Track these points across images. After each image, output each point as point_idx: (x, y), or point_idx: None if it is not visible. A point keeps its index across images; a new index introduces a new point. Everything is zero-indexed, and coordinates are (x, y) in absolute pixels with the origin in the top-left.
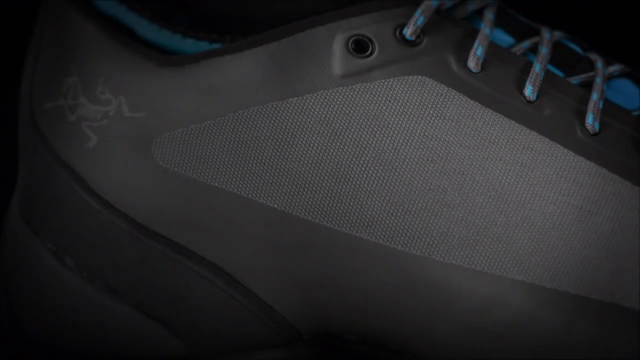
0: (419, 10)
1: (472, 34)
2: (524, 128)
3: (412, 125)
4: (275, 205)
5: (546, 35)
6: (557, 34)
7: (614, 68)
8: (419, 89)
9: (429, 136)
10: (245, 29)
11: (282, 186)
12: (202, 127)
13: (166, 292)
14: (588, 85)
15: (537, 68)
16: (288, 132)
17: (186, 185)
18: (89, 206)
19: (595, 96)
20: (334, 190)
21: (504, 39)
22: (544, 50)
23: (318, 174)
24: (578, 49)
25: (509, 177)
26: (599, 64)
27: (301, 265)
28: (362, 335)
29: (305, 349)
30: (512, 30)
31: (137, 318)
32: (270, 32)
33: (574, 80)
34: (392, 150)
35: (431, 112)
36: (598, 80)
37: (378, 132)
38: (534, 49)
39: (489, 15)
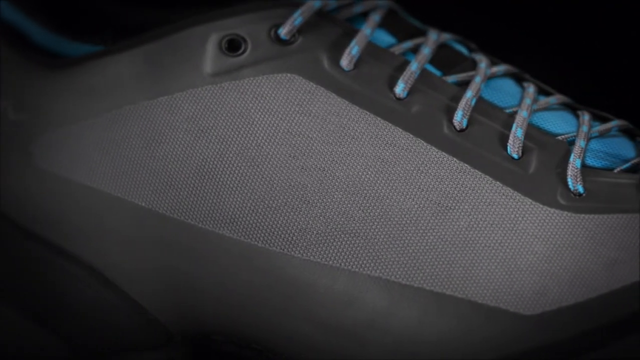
0: (299, 11)
1: (351, 34)
2: (389, 124)
3: (276, 122)
4: (143, 204)
5: (433, 36)
6: (445, 36)
7: (499, 68)
8: (286, 86)
9: (293, 133)
10: None
11: (150, 184)
12: (78, 128)
13: (45, 294)
14: (466, 84)
15: (413, 67)
16: (157, 130)
17: (61, 186)
18: None
19: (469, 94)
20: (198, 188)
21: (385, 39)
22: (426, 51)
23: (184, 172)
24: (464, 50)
25: (369, 172)
26: (483, 64)
27: (169, 264)
28: (228, 335)
29: (179, 350)
30: (397, 31)
31: (18, 320)
32: (149, 34)
33: (451, 79)
34: (256, 147)
35: (297, 109)
36: (477, 79)
37: (243, 129)
38: (416, 50)
39: (374, 17)
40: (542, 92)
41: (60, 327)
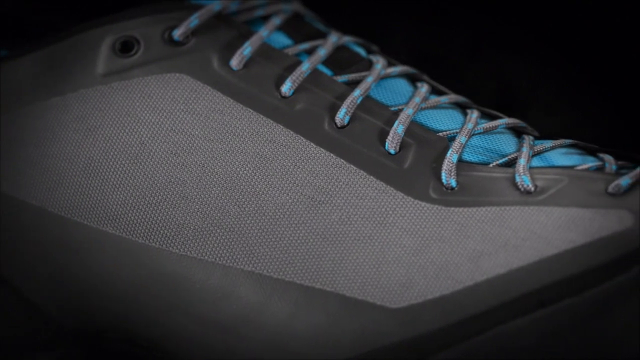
0: (196, 14)
1: (247, 36)
2: (271, 122)
3: (161, 120)
4: (34, 202)
5: (332, 39)
6: (345, 39)
7: (394, 69)
8: (174, 85)
9: (176, 130)
10: None
11: (41, 183)
12: None
13: None
14: (356, 84)
15: (304, 67)
16: (48, 130)
17: None
18: None
19: (357, 92)
20: (84, 185)
21: (283, 41)
22: (322, 52)
23: (71, 170)
24: (362, 52)
25: (247, 168)
26: (378, 65)
27: (58, 262)
28: (118, 332)
29: (74, 349)
30: (297, 34)
31: None
32: (49, 37)
33: (342, 78)
34: (139, 145)
35: (182, 107)
36: (369, 79)
37: (128, 127)
38: (312, 51)
39: (274, 20)
40: (437, 92)
41: None
